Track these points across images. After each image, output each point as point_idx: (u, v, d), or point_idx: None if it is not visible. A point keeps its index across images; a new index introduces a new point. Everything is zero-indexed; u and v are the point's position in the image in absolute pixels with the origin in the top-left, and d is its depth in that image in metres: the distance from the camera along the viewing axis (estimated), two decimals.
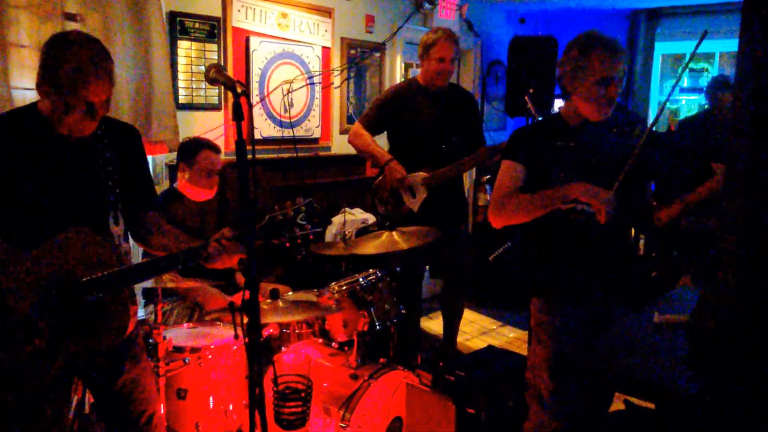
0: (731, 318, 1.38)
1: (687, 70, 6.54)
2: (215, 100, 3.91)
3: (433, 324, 4.65)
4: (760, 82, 1.29)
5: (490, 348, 3.00)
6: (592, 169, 2.09)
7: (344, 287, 2.77)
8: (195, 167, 3.01)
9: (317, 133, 4.54)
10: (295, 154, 4.22)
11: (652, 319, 1.84)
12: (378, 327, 2.74)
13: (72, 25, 3.04)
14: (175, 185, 3.14)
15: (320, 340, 2.91)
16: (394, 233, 2.94)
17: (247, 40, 4.01)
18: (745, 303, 1.36)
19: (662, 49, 6.46)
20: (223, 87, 1.75)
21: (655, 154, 2.20)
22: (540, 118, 2.93)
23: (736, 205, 1.38)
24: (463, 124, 3.60)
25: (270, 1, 4.11)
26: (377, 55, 4.95)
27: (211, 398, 2.55)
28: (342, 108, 4.75)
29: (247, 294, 1.60)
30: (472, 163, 3.51)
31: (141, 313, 3.05)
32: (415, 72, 4.17)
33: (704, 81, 6.27)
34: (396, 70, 5.09)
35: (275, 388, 2.45)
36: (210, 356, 2.54)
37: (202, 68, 3.72)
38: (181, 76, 3.69)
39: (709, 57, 6.33)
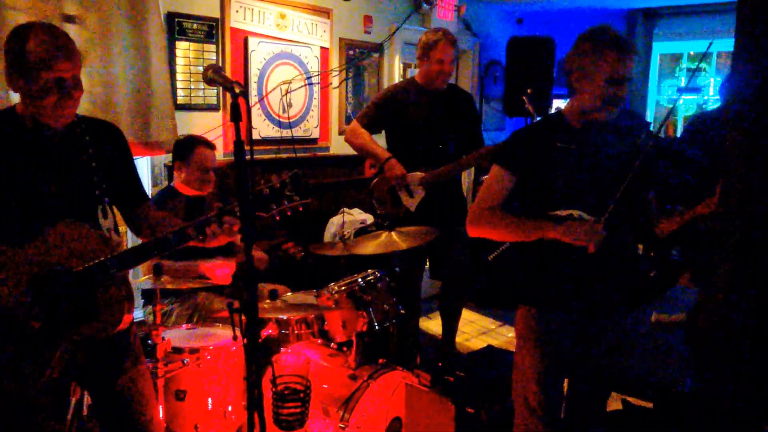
0: (728, 318, 1.39)
1: (684, 69, 6.56)
2: (214, 101, 3.91)
3: (433, 324, 4.64)
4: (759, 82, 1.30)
5: (490, 348, 3.01)
6: (592, 174, 2.02)
7: (343, 287, 2.77)
8: (191, 164, 3.01)
9: (316, 134, 4.54)
10: (293, 155, 4.23)
11: (650, 318, 1.84)
12: (377, 327, 2.74)
13: (71, 27, 3.04)
14: (172, 184, 3.15)
15: (319, 341, 2.90)
16: (393, 233, 2.95)
17: (246, 41, 4.01)
18: (743, 303, 1.36)
19: (660, 48, 6.46)
20: (221, 87, 1.76)
21: (659, 165, 2.12)
22: (539, 118, 2.89)
23: (736, 205, 1.38)
24: (461, 124, 3.60)
25: (268, 1, 4.11)
26: (375, 55, 4.96)
27: (210, 399, 2.55)
28: (341, 108, 4.75)
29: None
30: (470, 162, 3.51)
31: (140, 315, 3.04)
32: (414, 72, 4.17)
33: (702, 81, 6.28)
34: (394, 71, 5.10)
35: (274, 389, 2.45)
36: (209, 357, 2.54)
37: (201, 69, 3.72)
38: (179, 76, 3.70)
39: (706, 56, 6.34)
